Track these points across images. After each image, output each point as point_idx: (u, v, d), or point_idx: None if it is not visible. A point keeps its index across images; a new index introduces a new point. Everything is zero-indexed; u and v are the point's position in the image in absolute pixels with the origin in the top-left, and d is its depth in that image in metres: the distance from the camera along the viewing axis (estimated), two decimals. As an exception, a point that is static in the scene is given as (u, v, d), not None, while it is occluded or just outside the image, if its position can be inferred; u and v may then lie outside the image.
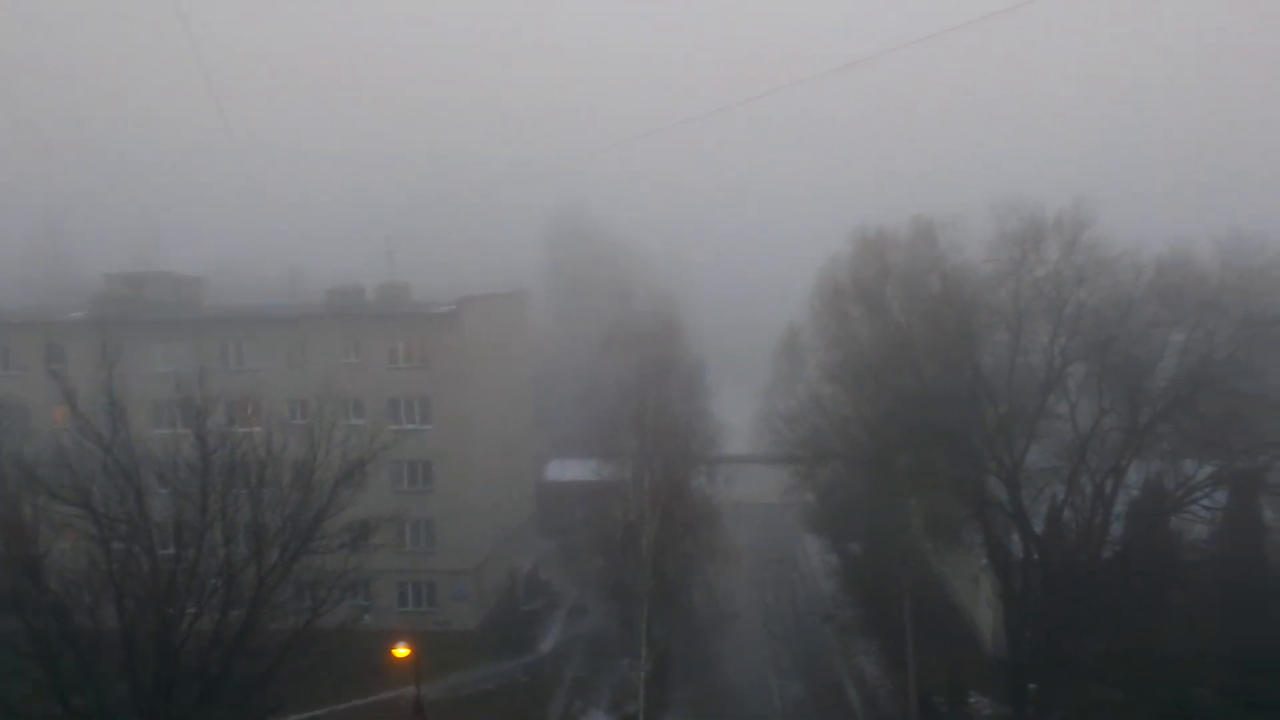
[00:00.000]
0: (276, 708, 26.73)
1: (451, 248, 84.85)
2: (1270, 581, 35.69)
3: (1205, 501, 35.23)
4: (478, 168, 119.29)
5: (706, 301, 71.82)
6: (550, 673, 46.92)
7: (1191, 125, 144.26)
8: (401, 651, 40.17)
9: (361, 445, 28.80)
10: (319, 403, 32.02)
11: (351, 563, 28.15)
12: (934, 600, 49.29)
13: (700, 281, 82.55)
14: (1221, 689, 32.78)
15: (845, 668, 47.21)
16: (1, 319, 53.80)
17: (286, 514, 26.86)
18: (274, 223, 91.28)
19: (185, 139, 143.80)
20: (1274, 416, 33.84)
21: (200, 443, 26.00)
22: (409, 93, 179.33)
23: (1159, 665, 31.92)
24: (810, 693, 44.59)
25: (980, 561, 43.41)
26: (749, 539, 60.69)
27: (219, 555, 25.88)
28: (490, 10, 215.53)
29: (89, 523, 24.50)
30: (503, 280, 65.91)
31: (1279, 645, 32.17)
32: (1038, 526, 36.66)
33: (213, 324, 52.76)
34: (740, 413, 48.44)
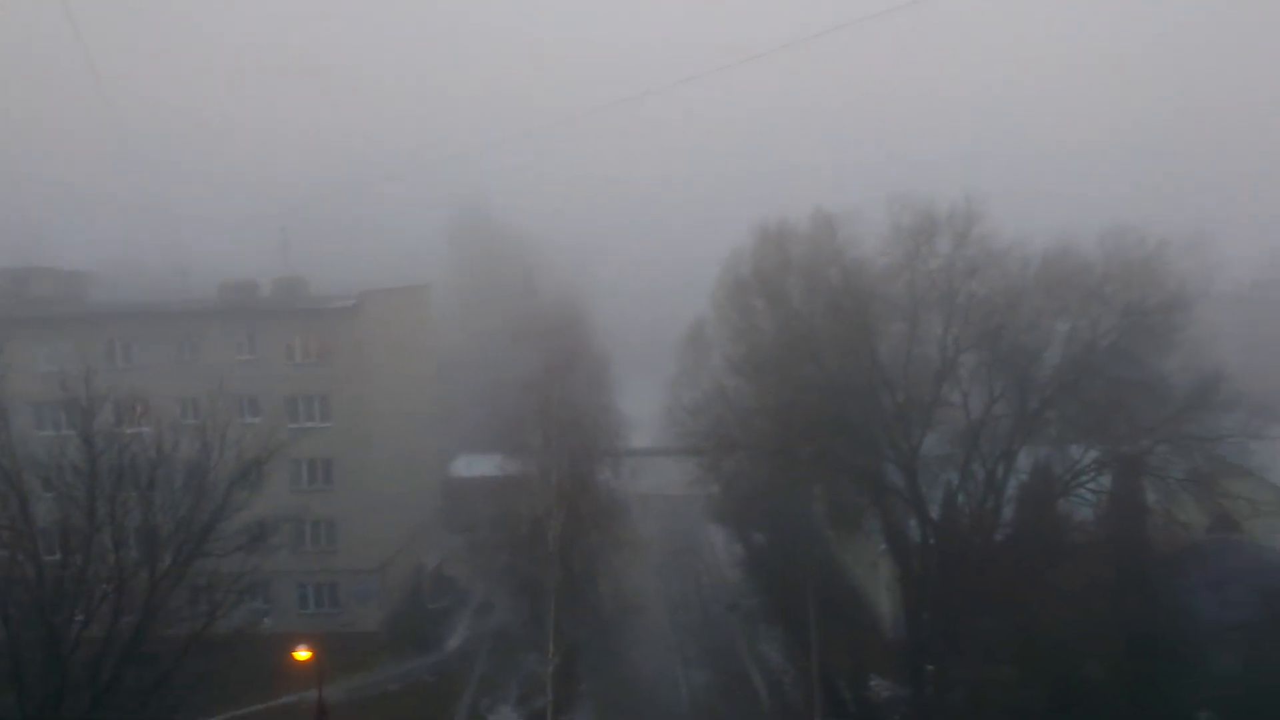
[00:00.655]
0: (172, 715, 25.94)
1: (350, 240, 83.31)
2: (1152, 561, 37.31)
3: (1091, 485, 36.69)
4: (377, 156, 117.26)
5: (612, 295, 71.93)
6: (457, 671, 46.51)
7: (1078, 122, 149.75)
8: (302, 654, 39.30)
9: (257, 444, 28.12)
10: (212, 401, 31.16)
11: (249, 565, 27.48)
12: (836, 586, 50.27)
13: (606, 275, 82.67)
14: (1108, 664, 34.18)
15: (751, 655, 47.87)
16: None
17: (179, 517, 26.11)
18: (162, 215, 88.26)
19: (70, 130, 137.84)
20: (1154, 402, 35.28)
21: (86, 444, 25.09)
22: (302, 76, 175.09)
23: (1049, 643, 33.05)
24: (717, 681, 45.10)
25: (880, 547, 44.42)
26: (655, 531, 61.10)
27: (109, 561, 24.99)
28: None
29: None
30: (404, 274, 64.89)
31: (1161, 621, 33.68)
32: (934, 512, 37.69)
33: (99, 321, 50.85)
34: (646, 406, 48.69)
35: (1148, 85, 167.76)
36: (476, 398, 67.45)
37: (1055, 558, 35.04)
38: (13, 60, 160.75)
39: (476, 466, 63.18)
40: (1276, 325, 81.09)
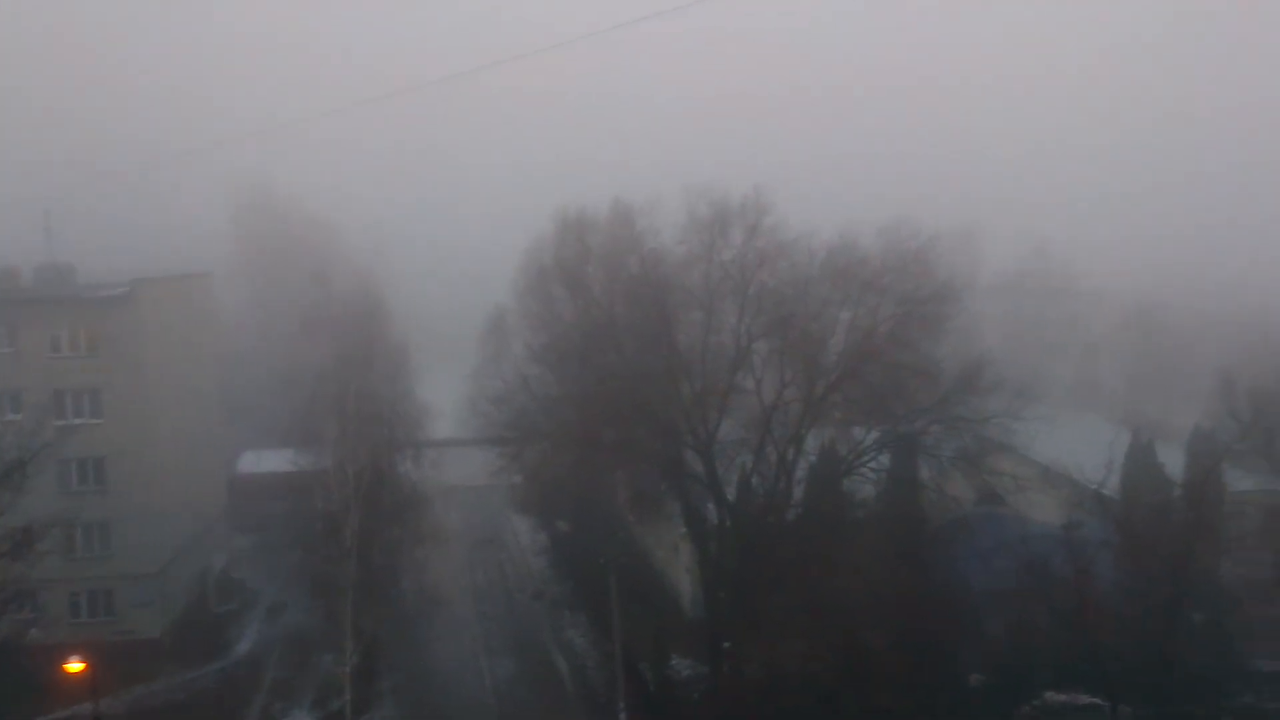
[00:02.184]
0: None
1: (123, 226, 77.82)
2: (926, 534, 39.94)
3: (872, 464, 38.93)
4: (153, 137, 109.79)
5: (411, 282, 70.21)
6: (247, 676, 44.53)
7: (860, 119, 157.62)
8: (75, 666, 36.57)
9: (20, 443, 25.96)
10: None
11: (13, 573, 25.39)
12: (639, 570, 51.24)
13: (405, 262, 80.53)
14: (890, 632, 36.34)
15: (555, 642, 48.13)
16: None
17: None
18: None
19: None
20: (928, 386, 37.72)
21: None
22: (70, 49, 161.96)
23: (835, 615, 34.85)
24: (522, 669, 45.13)
25: (680, 531, 45.54)
26: (459, 522, 60.31)
27: None
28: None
29: None
30: (184, 261, 61.26)
31: (936, 590, 36.09)
32: (730, 494, 38.98)
33: None
34: (447, 395, 47.91)
35: (917, 85, 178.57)
36: (267, 391, 64.49)
37: (841, 534, 36.94)
38: None
39: (265, 462, 60.56)
40: (1034, 314, 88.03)
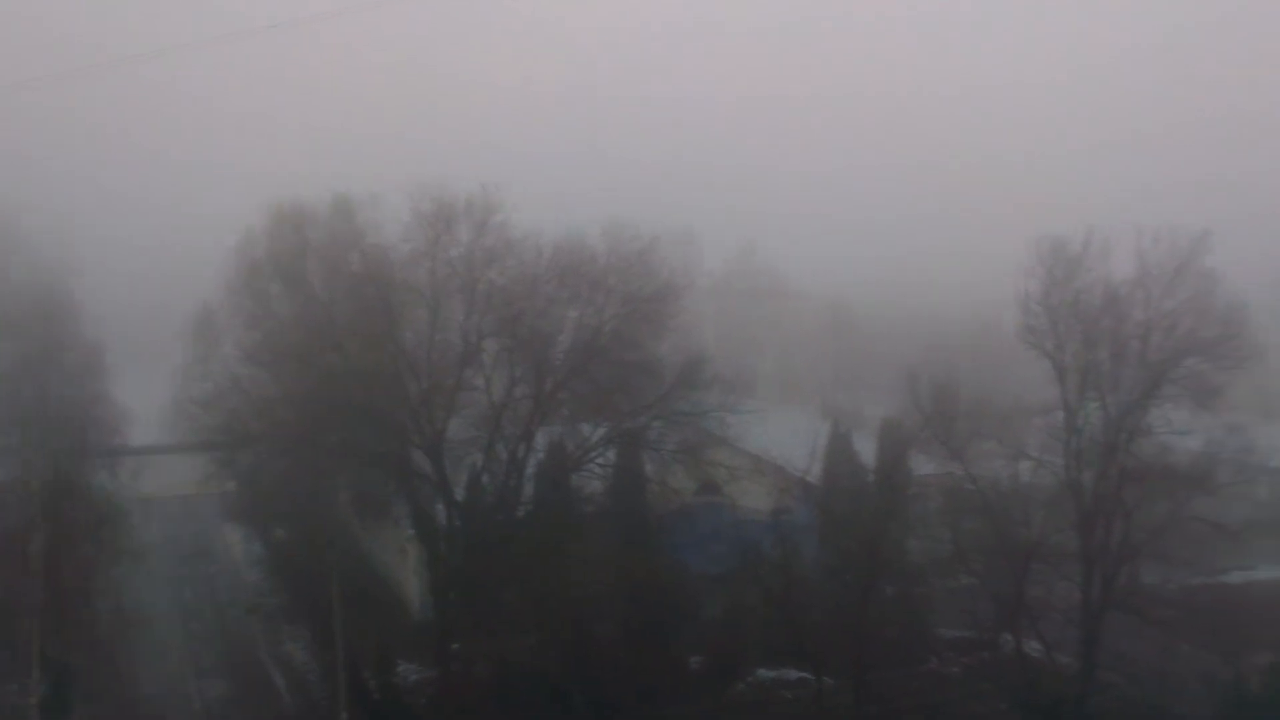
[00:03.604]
0: None
1: None
2: (650, 525, 41.39)
3: (599, 459, 39.86)
4: None
5: (105, 277, 64.38)
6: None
7: (581, 119, 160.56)
8: None
9: None
10: None
11: None
12: (364, 576, 49.68)
13: (97, 255, 73.66)
14: (617, 622, 37.43)
15: (273, 657, 45.82)
16: None
17: None
18: None
19: None
20: (651, 382, 39.07)
21: None
22: None
23: (565, 608, 35.46)
24: (236, 689, 42.59)
25: (407, 532, 44.65)
26: (163, 535, 56.18)
27: None
28: None
29: None
30: None
31: (659, 579, 37.46)
32: (460, 494, 38.66)
33: None
34: (149, 399, 44.42)
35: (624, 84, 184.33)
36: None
37: (570, 529, 37.61)
38: None
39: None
40: (745, 313, 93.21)
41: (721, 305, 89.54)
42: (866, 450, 44.56)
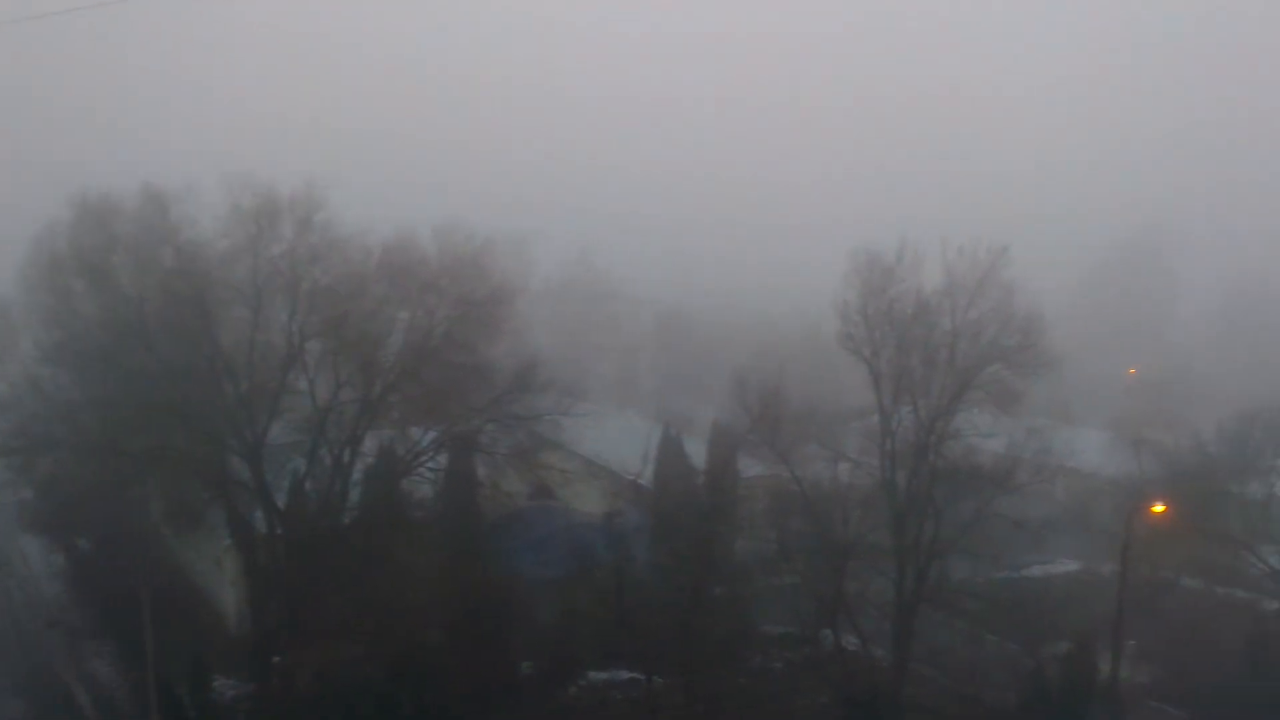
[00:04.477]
0: None
1: None
2: (482, 529, 41.01)
3: (430, 463, 39.29)
4: None
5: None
6: None
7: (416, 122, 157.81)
8: None
9: None
10: None
11: None
12: (176, 588, 47.28)
13: None
14: (447, 628, 36.84)
15: (77, 675, 42.98)
16: None
17: None
18: None
19: None
20: (484, 386, 38.77)
21: None
22: None
23: (393, 616, 34.68)
24: (35, 710, 39.75)
25: (224, 542, 42.82)
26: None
27: None
28: None
29: None
30: None
31: (491, 583, 37.11)
32: (281, 501, 37.36)
33: None
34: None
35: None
36: None
37: (399, 534, 36.87)
38: None
39: None
40: (579, 317, 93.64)
41: (557, 309, 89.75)
42: (697, 453, 45.43)
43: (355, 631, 36.03)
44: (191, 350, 36.05)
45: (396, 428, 38.95)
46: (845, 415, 38.83)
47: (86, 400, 37.79)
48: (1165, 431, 52.14)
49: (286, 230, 36.31)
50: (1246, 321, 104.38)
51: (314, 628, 35.66)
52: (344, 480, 37.37)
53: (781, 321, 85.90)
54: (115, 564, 47.53)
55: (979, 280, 35.11)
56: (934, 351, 35.92)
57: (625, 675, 39.47)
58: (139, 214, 39.01)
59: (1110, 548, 41.05)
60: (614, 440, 47.15)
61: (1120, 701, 36.10)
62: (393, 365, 37.44)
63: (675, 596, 37.08)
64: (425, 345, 37.34)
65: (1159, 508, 42.55)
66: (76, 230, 38.78)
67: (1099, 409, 63.05)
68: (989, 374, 35.86)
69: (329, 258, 36.76)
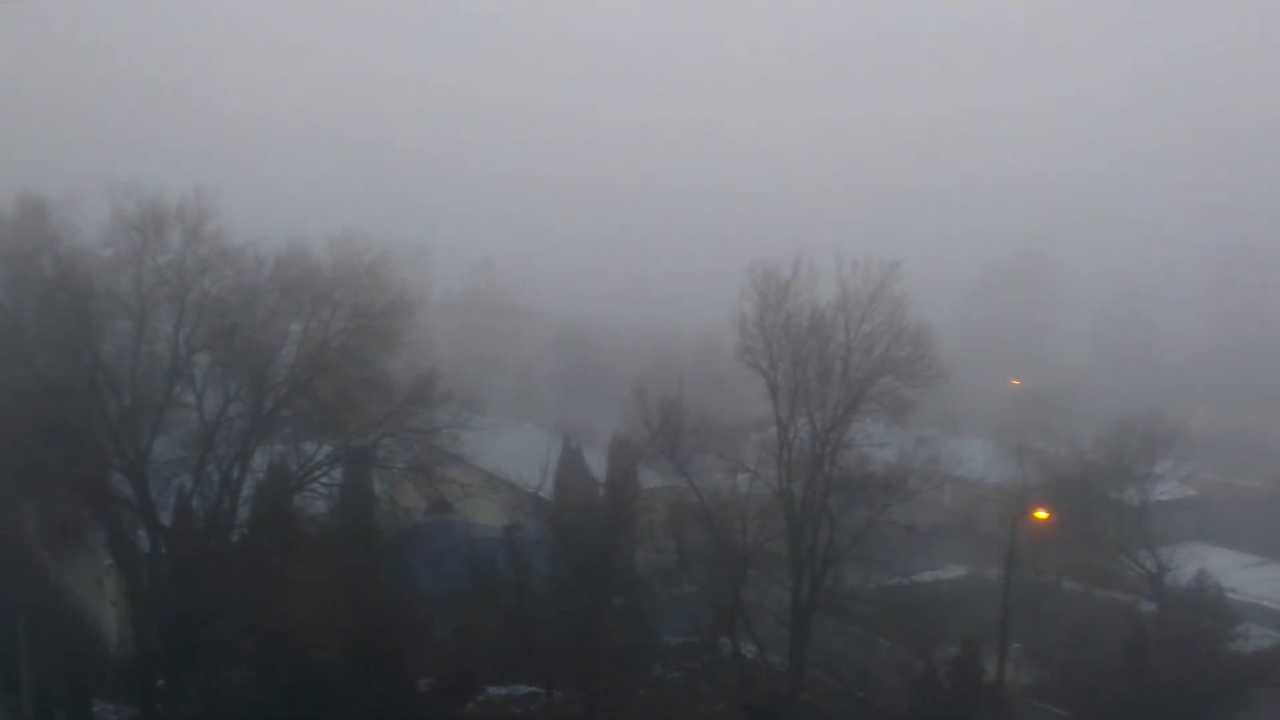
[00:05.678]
0: None
1: None
2: (379, 545, 40.21)
3: (325, 479, 38.44)
4: None
5: None
6: None
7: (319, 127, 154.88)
8: None
9: None
10: None
11: None
12: (54, 611, 45.27)
13: None
14: (343, 647, 36.01)
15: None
16: None
17: None
18: None
19: None
20: (381, 399, 38.16)
21: None
22: None
23: (286, 636, 33.78)
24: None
25: (105, 562, 41.18)
26: None
27: None
28: None
29: None
30: None
31: (389, 600, 36.43)
32: (166, 519, 36.13)
33: None
34: None
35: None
36: None
37: (292, 552, 35.95)
38: None
39: None
40: (479, 329, 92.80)
41: (456, 322, 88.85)
42: (598, 465, 45.45)
43: (245, 654, 35.04)
44: (72, 363, 34.69)
45: (289, 442, 38.04)
46: (744, 427, 39.29)
47: (-44, 416, 36.00)
48: (1047, 441, 54.03)
49: (174, 239, 35.30)
50: (1120, 338, 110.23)
51: (201, 650, 34.59)
52: (233, 497, 36.34)
53: (681, 334, 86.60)
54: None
55: (872, 295, 36.03)
56: (829, 364, 36.70)
57: (525, 689, 39.23)
58: (16, 221, 37.55)
59: (995, 553, 42.47)
60: (514, 453, 46.75)
61: (1006, 703, 37.34)
62: (285, 378, 36.61)
63: (575, 609, 37.00)
64: (319, 358, 36.62)
65: (1041, 514, 44.24)
66: (-53, 238, 37.06)
67: (984, 419, 65.09)
68: (881, 385, 36.77)
69: (219, 268, 35.86)
